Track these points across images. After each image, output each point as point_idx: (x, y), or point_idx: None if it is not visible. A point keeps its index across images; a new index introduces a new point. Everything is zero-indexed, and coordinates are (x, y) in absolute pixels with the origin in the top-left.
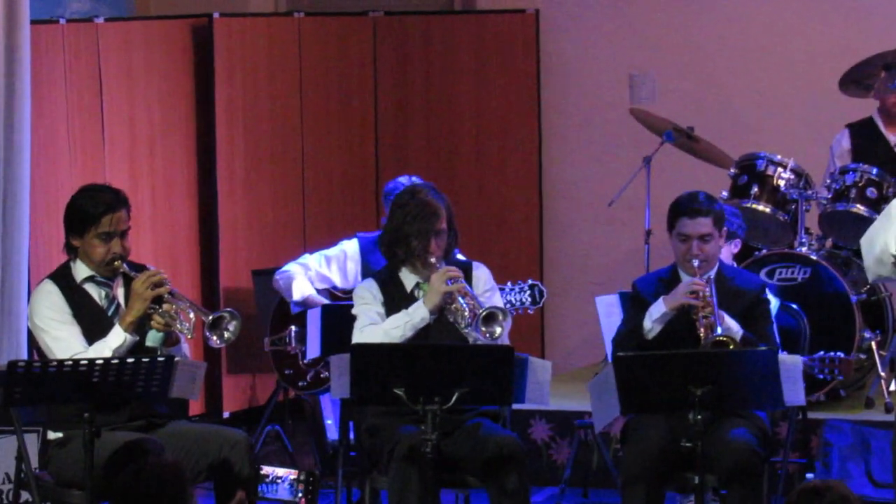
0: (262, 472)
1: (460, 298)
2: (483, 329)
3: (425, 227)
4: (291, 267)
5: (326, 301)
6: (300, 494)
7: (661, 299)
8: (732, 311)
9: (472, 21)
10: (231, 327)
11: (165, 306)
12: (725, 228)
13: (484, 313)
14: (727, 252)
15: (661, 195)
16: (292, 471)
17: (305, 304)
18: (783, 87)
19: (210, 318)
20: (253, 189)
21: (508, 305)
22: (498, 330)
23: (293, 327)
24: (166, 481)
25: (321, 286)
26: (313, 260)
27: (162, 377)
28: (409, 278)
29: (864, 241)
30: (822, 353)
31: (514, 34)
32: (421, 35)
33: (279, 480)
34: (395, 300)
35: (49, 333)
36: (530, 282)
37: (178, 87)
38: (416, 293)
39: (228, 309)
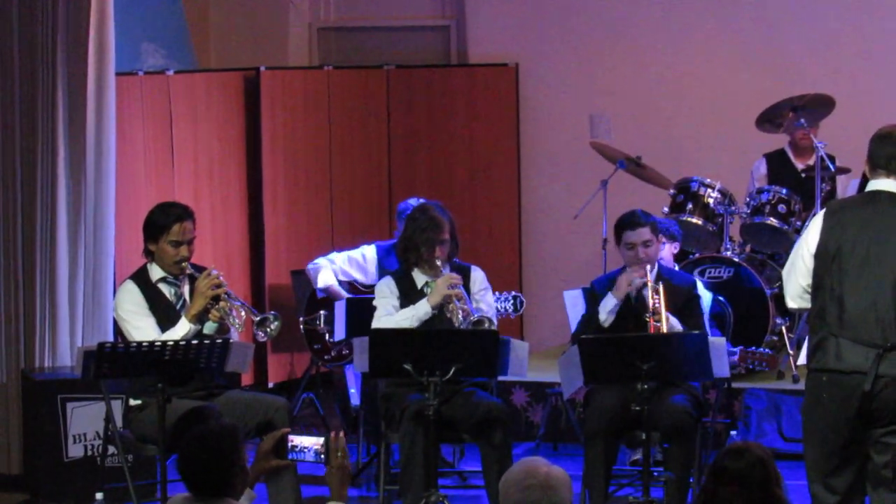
0: (292, 443)
1: (457, 302)
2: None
3: (432, 237)
4: (320, 261)
5: (345, 292)
6: (322, 457)
7: (609, 294)
8: (671, 303)
9: (465, 73)
10: (273, 326)
11: (222, 303)
12: (664, 234)
13: (474, 319)
14: (668, 252)
15: (616, 211)
16: (317, 440)
17: (327, 293)
18: (713, 124)
19: (257, 318)
20: (292, 206)
21: (495, 309)
22: None
23: (322, 311)
24: (223, 439)
25: (343, 279)
26: (339, 257)
27: (219, 355)
28: (419, 278)
29: (784, 275)
30: (753, 348)
31: (499, 83)
32: (424, 83)
33: (305, 450)
34: (409, 295)
35: (130, 323)
36: (513, 293)
37: (232, 125)
38: (425, 290)
39: (273, 312)
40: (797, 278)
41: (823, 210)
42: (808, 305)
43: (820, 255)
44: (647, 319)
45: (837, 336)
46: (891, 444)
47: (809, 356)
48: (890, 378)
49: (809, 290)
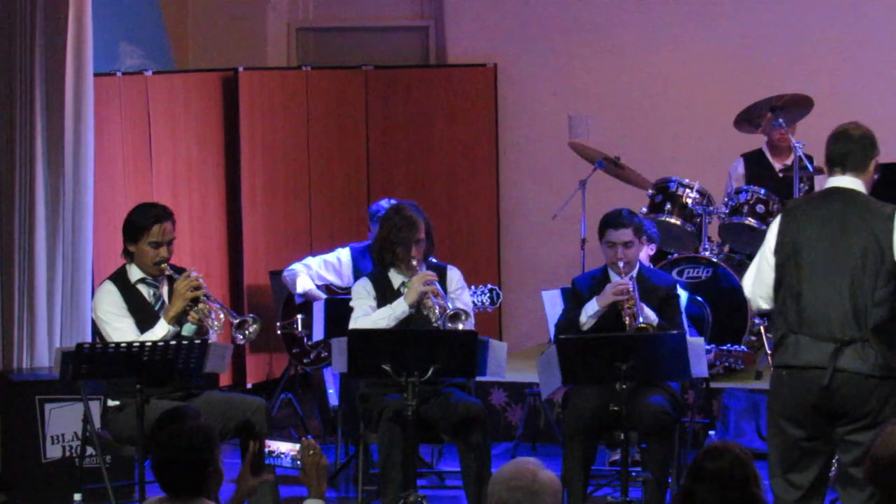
0: (269, 449)
1: (433, 298)
2: (449, 325)
3: (408, 237)
4: (296, 266)
5: (324, 295)
6: (299, 463)
7: (594, 299)
8: (650, 303)
9: (444, 73)
10: (252, 329)
11: (200, 305)
12: (644, 236)
13: (450, 313)
14: (645, 254)
15: (594, 211)
16: (293, 446)
17: (306, 297)
18: (691, 124)
19: (236, 320)
20: (270, 207)
21: (472, 305)
22: (460, 327)
23: (299, 315)
24: (197, 439)
25: (319, 283)
26: (314, 262)
27: (198, 356)
28: (396, 278)
29: (747, 278)
30: (728, 346)
31: (477, 83)
32: (403, 84)
33: (283, 455)
34: (385, 295)
35: (109, 324)
36: (489, 286)
37: (211, 126)
38: (401, 290)
39: (252, 315)
40: (764, 279)
41: (781, 211)
42: (761, 298)
43: (779, 254)
44: (626, 322)
45: (797, 333)
46: (856, 441)
47: (772, 354)
48: (848, 373)
49: None
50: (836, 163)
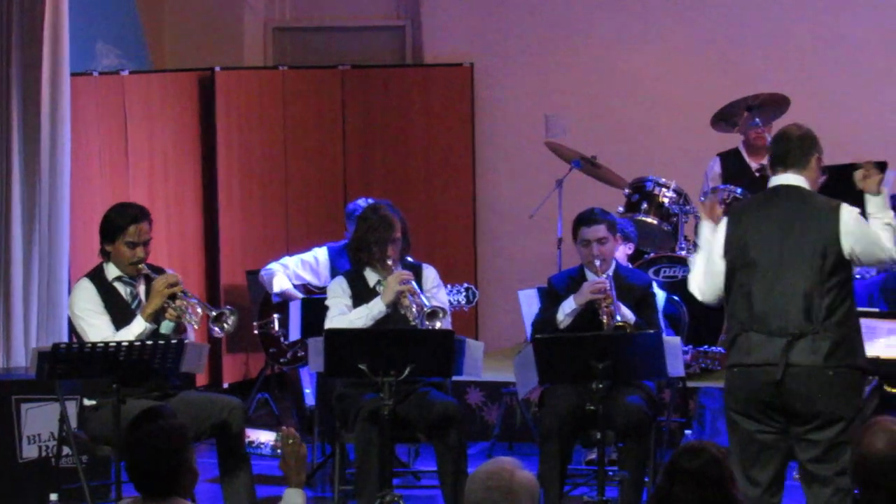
0: (249, 439)
1: (410, 297)
2: (427, 323)
3: (384, 237)
4: (273, 266)
5: (301, 295)
6: (279, 451)
7: (571, 297)
8: (626, 301)
9: (421, 72)
10: (230, 321)
11: (178, 302)
12: (619, 234)
13: (428, 311)
14: (622, 253)
15: (571, 210)
16: (273, 435)
17: (283, 296)
18: (667, 124)
19: (213, 313)
20: (247, 206)
21: (448, 304)
22: (438, 324)
23: (276, 315)
24: (169, 439)
25: (296, 282)
26: (291, 261)
27: (174, 356)
28: (371, 277)
29: (694, 274)
30: (705, 347)
31: (454, 83)
32: (380, 83)
33: (262, 445)
34: (361, 294)
35: (85, 321)
36: (466, 285)
37: (187, 125)
38: (377, 289)
39: (229, 307)
40: (715, 281)
41: (727, 213)
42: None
43: (728, 256)
44: (604, 321)
45: (748, 331)
46: (815, 440)
47: (725, 354)
48: (801, 367)
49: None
50: (778, 162)
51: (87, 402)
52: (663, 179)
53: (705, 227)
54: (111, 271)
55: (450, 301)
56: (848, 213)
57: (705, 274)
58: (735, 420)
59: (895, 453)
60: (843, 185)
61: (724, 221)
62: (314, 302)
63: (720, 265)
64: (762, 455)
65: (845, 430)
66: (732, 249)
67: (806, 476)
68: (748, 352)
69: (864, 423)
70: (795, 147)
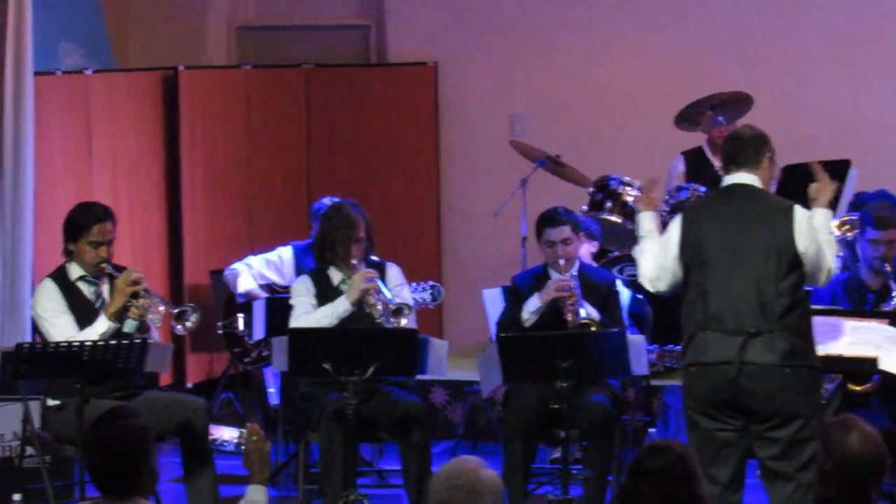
0: (212, 437)
1: (375, 295)
2: (392, 320)
3: (347, 236)
4: (238, 266)
5: (266, 294)
6: (243, 448)
7: (535, 295)
8: (591, 300)
9: (385, 72)
10: (192, 319)
11: (141, 300)
12: (583, 232)
13: (393, 308)
14: (587, 251)
15: (535, 209)
16: (235, 433)
17: (248, 296)
18: (631, 122)
19: (176, 310)
20: (210, 206)
21: (413, 301)
22: (404, 321)
23: (240, 315)
24: (129, 439)
25: (261, 282)
26: (256, 261)
27: (138, 356)
28: (336, 276)
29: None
30: (670, 346)
31: (418, 82)
32: (344, 82)
33: (226, 442)
34: (325, 293)
35: (48, 321)
36: (431, 283)
37: (151, 124)
38: (341, 287)
39: (191, 304)
40: (667, 276)
41: (680, 213)
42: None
43: (683, 254)
44: (568, 319)
45: (705, 330)
46: (774, 438)
47: (682, 353)
48: (756, 365)
49: (665, 272)
50: (731, 161)
51: (50, 402)
52: (627, 178)
53: (645, 217)
54: (74, 271)
55: (415, 299)
56: (801, 213)
57: (655, 265)
58: (694, 419)
59: (872, 452)
60: (801, 184)
61: (677, 221)
62: (278, 301)
63: (671, 260)
64: (721, 452)
65: (804, 428)
66: (688, 248)
67: (767, 474)
68: (705, 350)
69: (828, 422)
70: (747, 146)
